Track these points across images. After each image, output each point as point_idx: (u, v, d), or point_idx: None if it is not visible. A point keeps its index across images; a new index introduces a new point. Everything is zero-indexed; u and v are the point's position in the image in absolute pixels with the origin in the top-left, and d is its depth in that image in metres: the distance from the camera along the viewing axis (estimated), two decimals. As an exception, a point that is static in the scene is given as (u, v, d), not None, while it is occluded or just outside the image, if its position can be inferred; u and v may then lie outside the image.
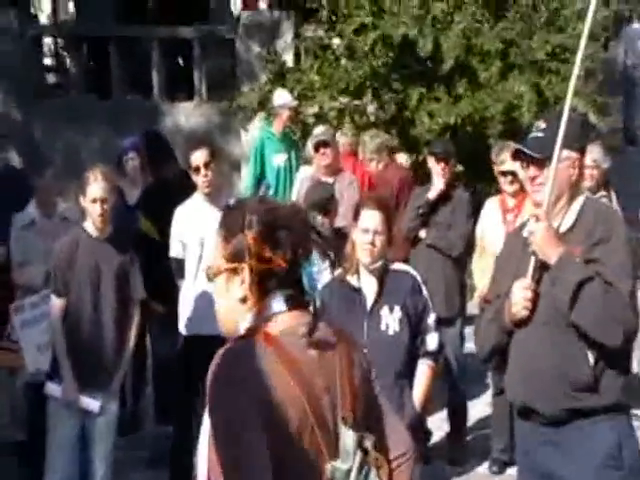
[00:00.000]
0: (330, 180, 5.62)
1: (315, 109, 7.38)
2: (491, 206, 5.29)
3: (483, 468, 5.03)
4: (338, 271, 3.64)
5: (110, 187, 4.11)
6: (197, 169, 4.47)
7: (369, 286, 3.47)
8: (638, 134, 11.63)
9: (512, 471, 4.62)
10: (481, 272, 5.20)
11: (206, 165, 4.46)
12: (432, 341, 3.50)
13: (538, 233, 2.70)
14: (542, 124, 2.84)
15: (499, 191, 5.27)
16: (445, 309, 4.91)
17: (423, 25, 7.21)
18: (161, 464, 4.72)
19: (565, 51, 7.57)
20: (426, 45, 7.01)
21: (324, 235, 1.96)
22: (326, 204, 4.46)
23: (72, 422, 4.08)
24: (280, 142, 6.80)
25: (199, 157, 4.47)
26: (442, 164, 5.20)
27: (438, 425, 5.30)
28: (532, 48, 7.46)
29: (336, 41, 7.61)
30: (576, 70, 2.76)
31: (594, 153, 5.03)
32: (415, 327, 3.46)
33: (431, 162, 5.31)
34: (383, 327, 3.41)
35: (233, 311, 1.83)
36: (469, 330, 5.61)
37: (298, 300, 1.83)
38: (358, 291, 3.47)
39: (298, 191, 5.95)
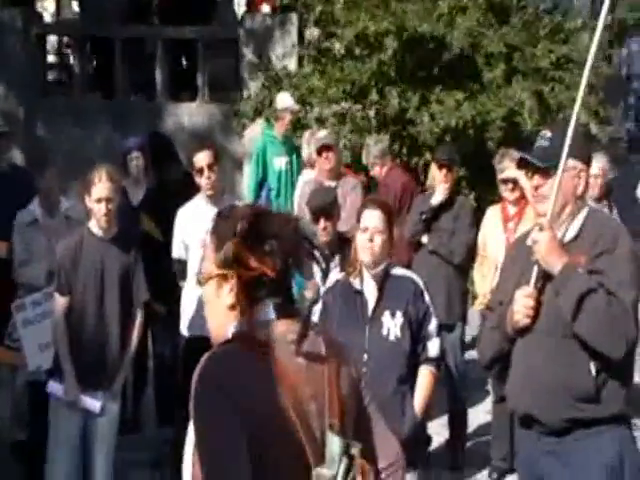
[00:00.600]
0: (333, 184, 5.63)
1: (315, 114, 7.38)
2: (492, 214, 5.31)
3: (482, 475, 5.03)
4: (341, 275, 3.65)
5: (115, 187, 4.11)
6: (200, 170, 4.48)
7: (371, 291, 3.47)
8: None
9: (511, 479, 4.64)
10: (482, 279, 5.22)
11: (209, 167, 4.47)
12: (433, 347, 3.50)
13: (542, 242, 2.70)
14: (548, 133, 2.85)
15: (500, 197, 5.29)
16: (446, 315, 4.92)
17: (429, 21, 7.20)
18: (162, 465, 4.73)
19: (569, 62, 7.59)
20: (438, 32, 6.98)
21: (317, 245, 1.96)
22: (329, 208, 4.46)
23: (73, 421, 4.08)
24: (282, 145, 6.81)
25: (202, 159, 4.48)
26: (445, 170, 5.22)
27: (438, 431, 5.30)
28: (536, 56, 7.47)
29: (337, 45, 7.61)
30: (584, 81, 2.76)
31: (601, 162, 5.04)
32: (416, 333, 3.45)
33: (434, 168, 5.32)
34: (384, 332, 3.41)
35: (222, 317, 1.84)
36: (469, 337, 5.64)
37: (287, 309, 1.84)
38: (360, 294, 3.47)
39: (300, 195, 5.96)
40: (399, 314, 3.42)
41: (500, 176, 5.14)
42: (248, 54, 8.92)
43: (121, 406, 4.41)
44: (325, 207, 4.47)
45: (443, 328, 4.16)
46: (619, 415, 2.74)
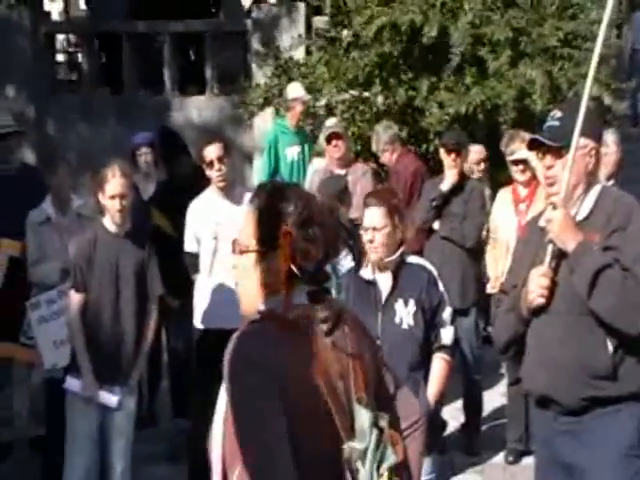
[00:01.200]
0: (342, 172, 5.61)
1: (323, 102, 7.35)
2: (503, 196, 5.29)
3: (499, 458, 5.03)
4: (353, 263, 3.65)
5: (128, 183, 4.11)
6: (211, 163, 4.48)
7: (384, 279, 3.47)
8: None
9: (528, 461, 4.64)
10: (494, 262, 5.20)
11: (219, 159, 4.46)
12: (447, 335, 3.49)
13: (555, 221, 2.69)
14: (558, 112, 2.83)
15: (511, 179, 5.26)
16: (460, 300, 4.91)
17: (430, 12, 7.13)
18: (179, 458, 4.76)
19: (577, 38, 7.49)
20: (431, 31, 6.94)
21: (352, 233, 1.97)
22: (339, 196, 4.46)
23: (91, 417, 4.10)
24: (294, 135, 6.80)
25: (212, 151, 4.48)
26: (453, 155, 5.19)
27: (453, 415, 5.31)
28: (543, 36, 7.38)
29: (345, 33, 7.57)
30: (595, 57, 2.73)
31: (614, 138, 4.99)
32: (430, 321, 3.45)
33: (442, 153, 5.30)
34: (397, 320, 3.41)
35: (255, 294, 1.84)
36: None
37: (320, 298, 1.85)
38: (372, 284, 3.47)
39: (310, 183, 5.96)
40: (412, 302, 3.42)
41: (510, 158, 5.12)
42: (256, 45, 8.91)
43: (137, 400, 4.42)
44: (336, 195, 4.47)
45: (457, 313, 4.16)
46: (637, 392, 2.72)
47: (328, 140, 5.84)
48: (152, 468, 4.89)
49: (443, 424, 4.96)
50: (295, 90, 6.93)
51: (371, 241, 3.41)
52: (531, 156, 4.70)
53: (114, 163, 4.12)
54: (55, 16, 15.11)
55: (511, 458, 4.97)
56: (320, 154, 6.49)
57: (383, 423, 1.82)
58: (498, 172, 6.11)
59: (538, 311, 2.77)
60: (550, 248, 2.72)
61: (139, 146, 5.65)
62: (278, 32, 8.92)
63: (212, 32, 9.42)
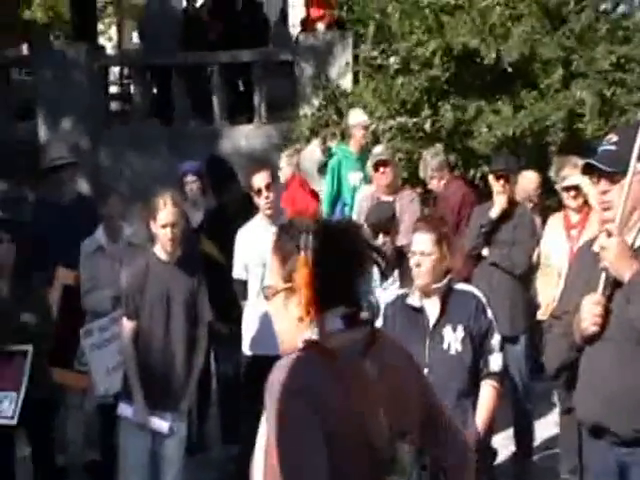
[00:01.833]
0: (390, 199, 5.62)
1: (371, 129, 7.38)
2: (554, 222, 5.23)
3: (551, 489, 4.95)
4: (402, 290, 3.65)
5: (179, 212, 4.19)
6: (259, 191, 4.54)
7: (432, 305, 3.46)
8: None
9: (582, 493, 4.52)
10: (545, 288, 5.13)
11: (267, 187, 4.53)
12: (496, 362, 3.46)
13: (611, 249, 2.65)
14: (614, 137, 2.79)
15: (561, 204, 5.20)
16: (509, 328, 4.85)
17: (483, 34, 7.14)
18: (228, 484, 4.78)
19: (630, 62, 7.41)
20: (490, 54, 6.93)
21: (382, 252, 1.98)
22: (387, 224, 4.47)
23: (143, 442, 4.15)
24: (356, 161, 6.83)
25: (260, 180, 4.54)
26: (502, 181, 5.16)
27: (504, 444, 5.22)
28: (595, 59, 7.32)
29: (392, 59, 7.61)
30: None
31: None
32: (478, 347, 3.43)
33: (491, 179, 5.27)
34: (445, 346, 3.39)
35: (292, 330, 1.86)
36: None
37: (356, 318, 1.85)
38: (420, 311, 3.46)
39: (358, 211, 5.98)
40: (460, 328, 3.40)
41: (562, 184, 5.06)
42: (303, 74, 9.01)
43: (187, 426, 4.46)
44: (383, 223, 4.49)
45: (507, 340, 4.11)
46: (692, 424, 2.65)
47: (375, 167, 5.86)
48: (202, 494, 4.92)
49: (494, 453, 4.89)
50: (356, 116, 6.97)
51: (418, 265, 3.41)
52: (583, 182, 4.65)
53: (165, 192, 4.20)
54: (109, 49, 15.53)
55: (564, 489, 4.87)
56: (368, 181, 6.52)
57: (426, 461, 1.79)
58: (546, 198, 6.05)
59: (591, 339, 2.72)
60: (604, 276, 2.68)
61: (186, 174, 5.74)
62: (326, 60, 9.00)
63: (260, 62, 9.57)
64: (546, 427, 5.56)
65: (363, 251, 1.89)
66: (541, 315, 5.11)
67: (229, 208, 5.50)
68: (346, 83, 8.51)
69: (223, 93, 9.65)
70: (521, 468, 5.07)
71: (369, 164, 6.12)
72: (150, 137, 9.57)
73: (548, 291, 5.07)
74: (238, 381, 4.92)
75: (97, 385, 4.72)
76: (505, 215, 5.17)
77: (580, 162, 3.06)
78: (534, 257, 5.23)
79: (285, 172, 6.75)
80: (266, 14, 11.56)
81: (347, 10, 8.06)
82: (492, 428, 3.74)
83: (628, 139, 2.66)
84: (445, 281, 3.45)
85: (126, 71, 13.41)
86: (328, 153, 8.02)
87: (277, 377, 1.76)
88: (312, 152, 7.50)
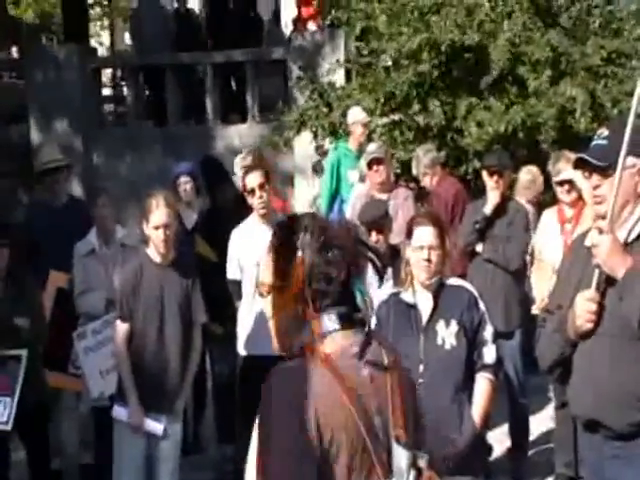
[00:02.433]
0: (384, 197, 5.61)
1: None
2: (549, 217, 5.23)
3: (547, 484, 4.95)
4: (394, 288, 3.64)
5: (172, 213, 4.17)
6: (252, 191, 4.53)
7: (425, 302, 3.46)
8: None
9: (577, 486, 4.53)
10: (540, 283, 5.13)
11: (261, 187, 4.51)
12: (489, 354, 3.46)
13: (603, 246, 2.64)
14: (605, 131, 2.79)
15: (555, 199, 5.20)
16: (504, 323, 4.86)
17: (469, 30, 7.14)
18: (225, 484, 4.78)
19: (621, 56, 7.41)
20: (472, 40, 6.93)
21: (378, 251, 1.97)
22: (380, 222, 4.46)
23: (138, 444, 4.14)
24: (356, 159, 6.81)
25: (253, 180, 4.52)
26: (495, 177, 5.15)
27: (500, 439, 5.23)
28: (586, 55, 7.32)
29: (383, 57, 7.61)
30: None
31: None
32: (472, 341, 3.43)
33: (484, 175, 5.26)
34: (439, 342, 3.39)
35: (286, 329, 1.86)
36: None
37: (351, 318, 1.84)
38: (413, 307, 3.46)
39: (352, 208, 5.97)
40: (454, 322, 3.40)
41: (556, 178, 5.07)
42: (295, 72, 9.00)
43: (182, 427, 4.45)
44: (376, 221, 4.48)
45: (502, 336, 4.10)
46: (686, 417, 2.65)
47: (369, 165, 5.85)
48: (198, 494, 4.91)
49: (489, 448, 4.89)
50: (354, 114, 6.95)
51: (428, 260, 3.38)
52: (577, 176, 4.64)
53: (158, 193, 4.18)
54: (101, 51, 15.49)
55: (560, 483, 4.87)
56: (362, 179, 6.51)
57: (422, 463, 1.79)
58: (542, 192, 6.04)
59: (586, 335, 2.72)
60: (597, 272, 2.67)
61: (179, 175, 5.71)
62: (318, 59, 9.01)
63: (253, 61, 9.56)
64: (541, 421, 5.57)
65: (360, 252, 1.88)
66: (536, 309, 5.12)
67: (223, 208, 5.49)
68: (338, 81, 8.50)
69: (216, 93, 9.65)
70: (517, 463, 5.08)
71: (362, 162, 6.11)
72: (144, 138, 9.56)
73: (542, 285, 5.07)
74: (233, 381, 4.92)
75: (91, 388, 4.71)
76: (499, 211, 5.16)
77: (574, 156, 3.05)
78: (528, 252, 5.24)
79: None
80: (259, 13, 11.55)
81: (334, 11, 8.06)
82: (487, 423, 3.73)
83: (620, 133, 2.65)
84: (437, 277, 3.44)
85: (119, 73, 13.40)
86: (322, 150, 8.02)
87: (274, 384, 1.76)
88: (305, 149, 7.46)
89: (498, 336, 3.64)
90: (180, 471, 4.28)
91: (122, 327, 4.20)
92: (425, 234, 3.41)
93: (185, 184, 5.64)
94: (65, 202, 5.55)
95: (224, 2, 10.89)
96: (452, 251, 3.87)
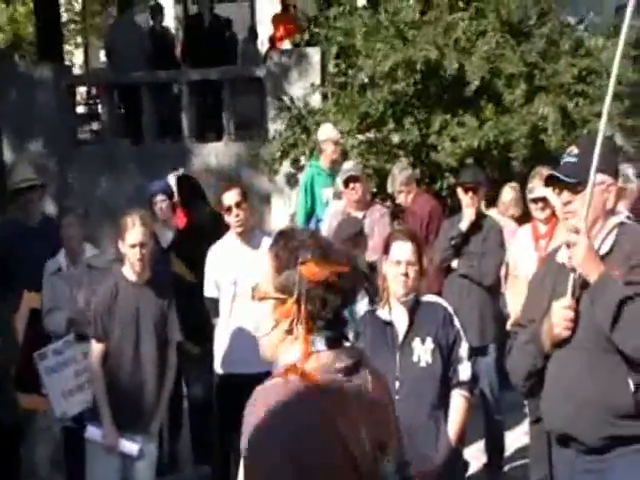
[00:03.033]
0: (360, 215, 5.64)
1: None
2: (523, 233, 5.27)
3: (522, 499, 4.95)
4: (369, 306, 3.65)
5: (148, 232, 4.15)
6: (229, 209, 4.53)
7: (400, 319, 3.47)
8: None
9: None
10: (514, 298, 5.17)
11: (237, 205, 4.51)
12: (465, 371, 3.47)
13: (580, 247, 2.67)
14: (575, 149, 2.84)
15: (530, 216, 5.25)
16: (479, 338, 4.89)
17: (446, 49, 7.23)
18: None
19: (592, 74, 7.53)
20: (451, 66, 7.00)
21: (370, 278, 1.98)
22: (355, 239, 4.48)
23: (112, 465, 4.10)
24: (329, 176, 6.82)
25: (230, 197, 4.52)
26: (470, 193, 5.20)
27: (475, 456, 5.24)
28: (558, 72, 7.44)
29: (361, 75, 7.66)
30: (610, 92, 2.73)
31: (633, 171, 4.99)
32: (447, 358, 3.44)
33: (459, 192, 5.31)
34: (415, 359, 3.40)
35: (276, 339, 1.85)
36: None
37: (338, 340, 1.85)
38: (389, 325, 3.46)
39: (328, 226, 5.98)
40: (429, 340, 3.41)
41: (530, 195, 5.12)
42: (272, 92, 9.03)
43: (158, 447, 4.41)
44: (352, 238, 4.49)
45: (477, 351, 4.12)
46: (660, 431, 2.67)
47: (345, 183, 5.88)
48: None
49: (465, 464, 4.89)
50: (325, 132, 6.96)
51: (406, 274, 3.39)
52: (549, 193, 4.70)
53: (134, 212, 4.17)
54: (76, 70, 15.43)
55: (535, 499, 4.88)
56: (338, 195, 6.53)
57: (408, 474, 1.84)
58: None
59: (561, 344, 2.74)
60: (572, 278, 2.70)
61: (155, 194, 5.70)
62: (293, 78, 9.04)
63: (229, 79, 9.58)
64: (517, 437, 5.58)
65: (358, 281, 1.88)
66: (510, 326, 5.15)
67: (199, 227, 5.48)
68: (314, 101, 8.54)
69: (192, 111, 9.64)
70: (492, 478, 5.09)
71: (339, 180, 6.14)
72: (119, 156, 9.52)
73: (517, 301, 5.10)
74: (209, 400, 4.88)
75: (54, 408, 4.64)
76: (474, 227, 5.21)
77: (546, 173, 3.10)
78: (503, 268, 5.28)
79: None
80: (234, 32, 11.59)
81: (312, 29, 8.12)
82: (463, 439, 3.74)
83: (589, 151, 2.69)
84: (413, 294, 3.46)
85: (94, 91, 13.36)
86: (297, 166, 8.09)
87: (258, 404, 1.75)
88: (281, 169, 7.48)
89: (473, 351, 3.66)
90: (156, 492, 4.24)
91: (97, 347, 4.16)
92: (403, 249, 3.43)
93: (161, 202, 5.63)
94: (39, 222, 5.50)
95: (200, 20, 10.90)
96: (428, 268, 3.89)
